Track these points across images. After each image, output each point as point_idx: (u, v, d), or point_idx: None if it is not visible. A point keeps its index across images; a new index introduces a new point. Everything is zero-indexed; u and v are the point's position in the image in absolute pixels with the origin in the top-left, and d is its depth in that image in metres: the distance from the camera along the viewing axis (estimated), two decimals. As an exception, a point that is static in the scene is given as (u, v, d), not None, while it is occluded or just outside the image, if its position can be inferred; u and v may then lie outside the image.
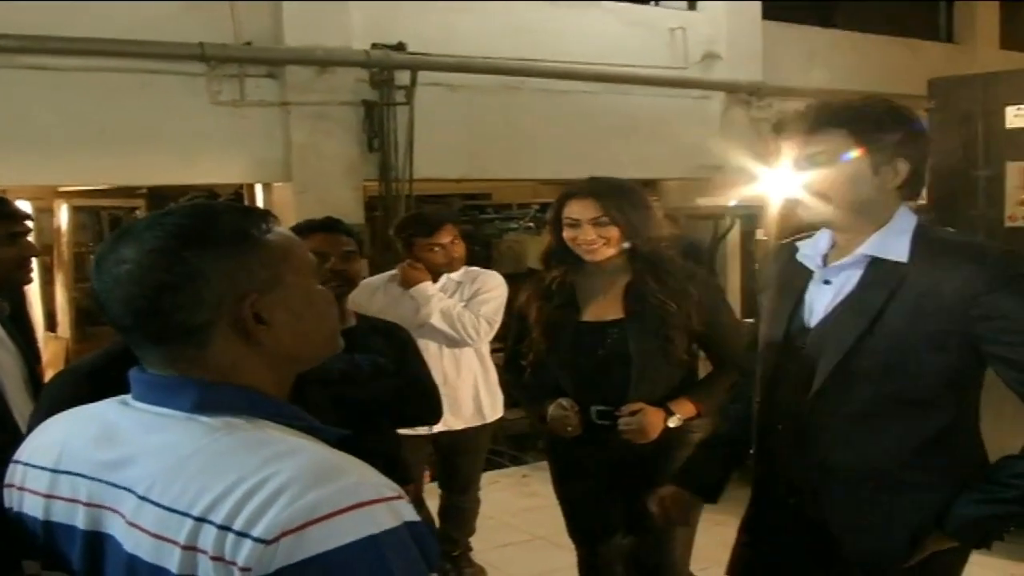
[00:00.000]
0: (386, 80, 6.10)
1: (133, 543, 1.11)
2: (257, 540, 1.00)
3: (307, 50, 5.81)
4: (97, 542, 1.17)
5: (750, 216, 7.01)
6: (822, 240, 2.23)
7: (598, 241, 2.89)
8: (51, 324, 8.51)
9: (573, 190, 2.97)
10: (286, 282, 1.21)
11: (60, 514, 1.21)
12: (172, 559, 1.06)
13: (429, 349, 3.82)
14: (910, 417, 2.09)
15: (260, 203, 6.41)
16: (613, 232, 2.89)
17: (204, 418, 1.15)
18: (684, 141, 7.26)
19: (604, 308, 2.98)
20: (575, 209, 2.91)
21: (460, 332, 3.91)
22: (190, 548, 1.04)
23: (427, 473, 4.56)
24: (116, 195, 8.44)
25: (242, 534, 1.01)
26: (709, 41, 7.44)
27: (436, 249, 3.93)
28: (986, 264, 1.98)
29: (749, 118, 7.57)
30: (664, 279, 2.92)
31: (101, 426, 1.22)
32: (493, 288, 4.03)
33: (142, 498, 1.11)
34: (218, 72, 5.55)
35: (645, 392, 2.91)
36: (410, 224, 4.08)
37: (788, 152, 2.13)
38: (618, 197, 2.91)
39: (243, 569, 1.00)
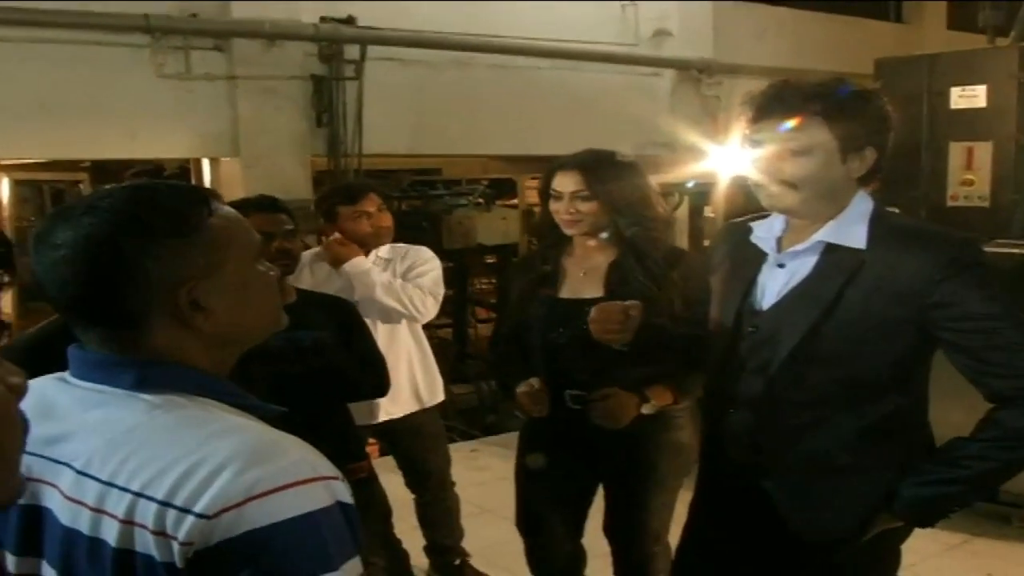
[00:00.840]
0: (335, 54, 6.04)
1: (71, 517, 1.12)
2: (199, 516, 1.02)
3: (255, 23, 5.73)
4: (34, 515, 1.17)
5: (699, 194, 7.07)
6: (777, 223, 2.22)
7: (577, 215, 2.81)
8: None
9: (561, 162, 2.88)
10: (226, 268, 1.20)
11: None
12: (111, 532, 1.07)
13: None
14: (861, 401, 2.10)
15: (207, 178, 6.33)
16: (593, 207, 2.80)
17: (145, 395, 1.15)
18: (634, 118, 7.26)
19: (584, 285, 2.89)
20: (560, 181, 2.82)
21: (408, 306, 3.68)
22: (128, 522, 1.06)
23: (375, 447, 4.41)
24: (58, 168, 8.33)
25: (184, 510, 1.03)
26: (660, 18, 7.44)
27: (362, 218, 3.68)
28: (942, 252, 1.99)
29: (699, 95, 7.61)
30: (646, 261, 2.83)
31: (39, 402, 1.17)
32: (427, 260, 3.81)
33: (80, 472, 1.12)
34: (163, 44, 5.46)
35: (621, 376, 2.80)
36: (332, 194, 3.91)
37: (758, 137, 2.09)
38: (604, 172, 2.81)
39: (184, 544, 1.02)
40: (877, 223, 2.07)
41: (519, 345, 2.99)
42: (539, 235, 3.06)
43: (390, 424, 3.79)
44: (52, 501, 1.15)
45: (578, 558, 3.19)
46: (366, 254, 3.70)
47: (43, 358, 1.63)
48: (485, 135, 6.82)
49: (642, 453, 2.88)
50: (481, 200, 8.11)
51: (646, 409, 2.80)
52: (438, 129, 6.60)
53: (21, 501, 1.14)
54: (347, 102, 6.10)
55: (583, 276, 2.90)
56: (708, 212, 7.23)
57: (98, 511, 1.08)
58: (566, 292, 2.91)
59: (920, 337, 2.03)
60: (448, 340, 9.02)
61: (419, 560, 3.98)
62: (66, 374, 1.23)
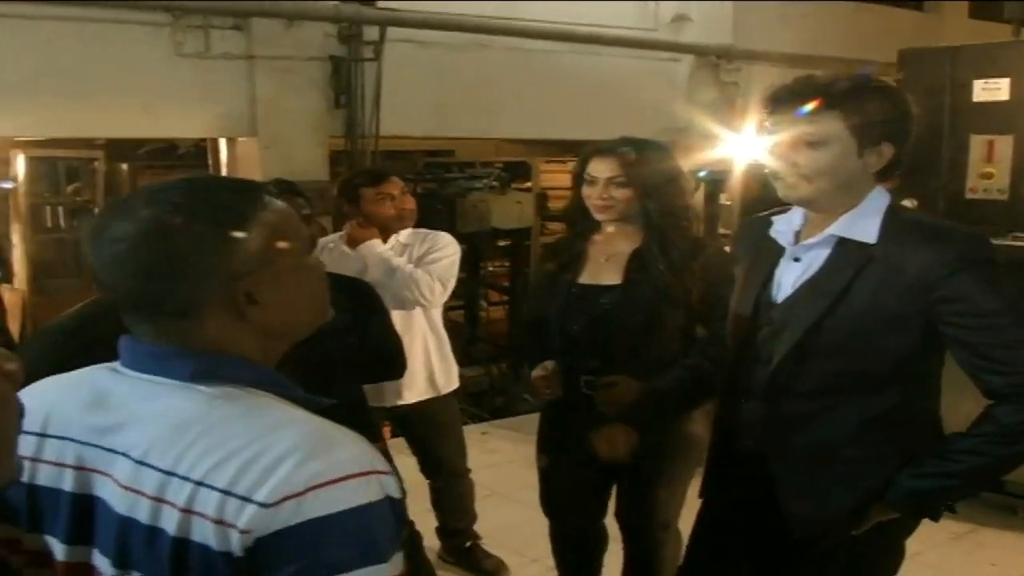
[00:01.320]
0: (354, 35, 6.03)
1: (128, 505, 1.13)
2: (260, 504, 1.05)
3: (274, 3, 5.72)
4: (86, 505, 1.18)
5: (715, 181, 7.05)
6: (796, 217, 2.24)
7: (610, 200, 2.82)
8: (7, 275, 8.41)
9: (598, 147, 2.89)
10: (279, 261, 1.22)
11: (46, 478, 1.21)
12: (170, 521, 1.09)
13: None
14: (865, 394, 2.12)
15: (223, 158, 6.35)
16: (627, 193, 2.81)
17: (202, 387, 1.17)
18: (651, 103, 7.25)
19: (604, 272, 2.90)
20: (595, 166, 2.83)
21: (413, 292, 3.67)
22: (188, 511, 1.08)
23: (387, 429, 4.40)
24: (74, 145, 8.34)
25: (244, 498, 1.06)
26: (679, 3, 7.41)
27: (385, 200, 3.71)
28: (950, 247, 2.00)
29: (717, 82, 7.57)
30: (670, 251, 2.83)
31: (92, 392, 1.22)
32: (444, 247, 3.81)
33: (139, 462, 1.13)
34: (183, 23, 5.46)
35: (632, 363, 2.82)
36: (356, 176, 3.94)
37: (774, 128, 2.11)
38: (641, 159, 2.82)
39: (243, 531, 1.05)
40: (890, 218, 2.08)
41: (540, 329, 3.01)
42: (569, 220, 3.06)
43: (403, 409, 3.80)
44: (105, 490, 1.16)
45: (600, 539, 3.23)
46: (386, 238, 3.71)
47: (88, 341, 1.67)
48: (502, 118, 6.82)
49: (655, 443, 2.90)
50: (496, 183, 8.09)
51: None
52: (456, 111, 6.59)
53: (71, 489, 1.19)
54: (365, 83, 6.09)
55: (604, 262, 2.92)
56: (724, 199, 7.20)
57: (158, 500, 1.10)
58: (585, 278, 2.93)
59: (927, 331, 2.04)
60: (459, 322, 9.05)
61: (431, 541, 4.01)
62: (117, 364, 1.24)
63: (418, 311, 3.78)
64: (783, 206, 2.26)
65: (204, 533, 1.07)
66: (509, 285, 9.29)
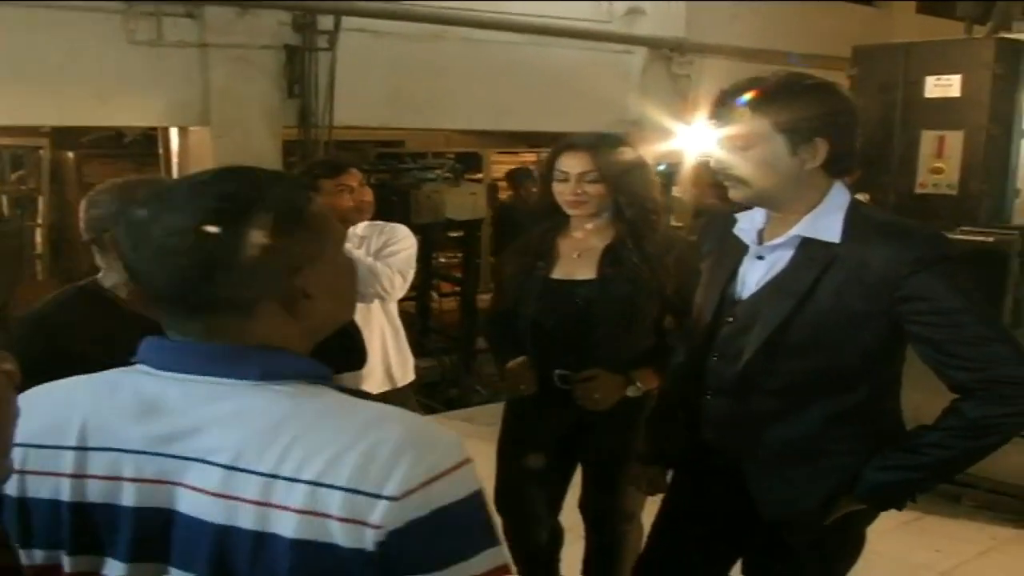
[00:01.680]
0: (309, 24, 5.98)
1: (225, 514, 1.09)
2: (389, 498, 1.05)
3: (228, -10, 5.66)
4: (156, 518, 1.12)
5: (667, 173, 7.09)
6: (758, 215, 2.26)
7: (583, 196, 2.82)
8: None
9: (569, 142, 2.89)
10: (325, 255, 1.20)
11: (97, 494, 1.14)
12: (285, 524, 1.07)
13: None
14: (832, 391, 2.15)
15: (175, 146, 6.27)
16: (599, 189, 2.81)
17: (275, 386, 1.14)
18: (604, 95, 7.27)
19: (578, 267, 2.91)
20: (566, 162, 2.83)
21: (374, 285, 3.65)
22: (308, 512, 1.06)
23: None
24: (18, 133, 8.19)
25: (373, 495, 1.06)
26: (633, -4, 7.45)
27: (344, 192, 3.63)
28: (912, 246, 2.03)
29: (669, 75, 7.62)
30: (643, 245, 2.85)
31: (136, 398, 1.15)
32: (402, 239, 3.79)
33: (230, 467, 1.09)
34: (135, 10, 5.38)
35: (609, 357, 2.84)
36: (315, 166, 3.92)
37: (714, 131, 2.15)
38: (612, 154, 2.84)
39: (376, 527, 1.05)
40: (852, 217, 2.11)
41: (512, 324, 3.01)
42: (538, 216, 3.06)
43: None
44: (185, 501, 1.11)
45: (556, 535, 3.23)
46: (345, 229, 3.68)
47: (48, 331, 1.64)
48: (456, 109, 6.80)
49: (623, 434, 2.92)
50: (450, 175, 8.06)
51: (631, 392, 2.84)
52: (410, 102, 6.56)
53: (134, 504, 1.13)
54: (319, 73, 6.04)
55: (577, 258, 2.92)
56: (675, 192, 7.25)
57: (263, 504, 1.07)
58: (559, 273, 2.93)
59: (890, 329, 2.08)
60: (411, 314, 9.01)
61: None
62: (147, 367, 1.18)
63: (376, 304, 3.75)
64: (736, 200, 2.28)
65: (329, 532, 1.06)
66: (461, 276, 9.26)
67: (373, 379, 3.76)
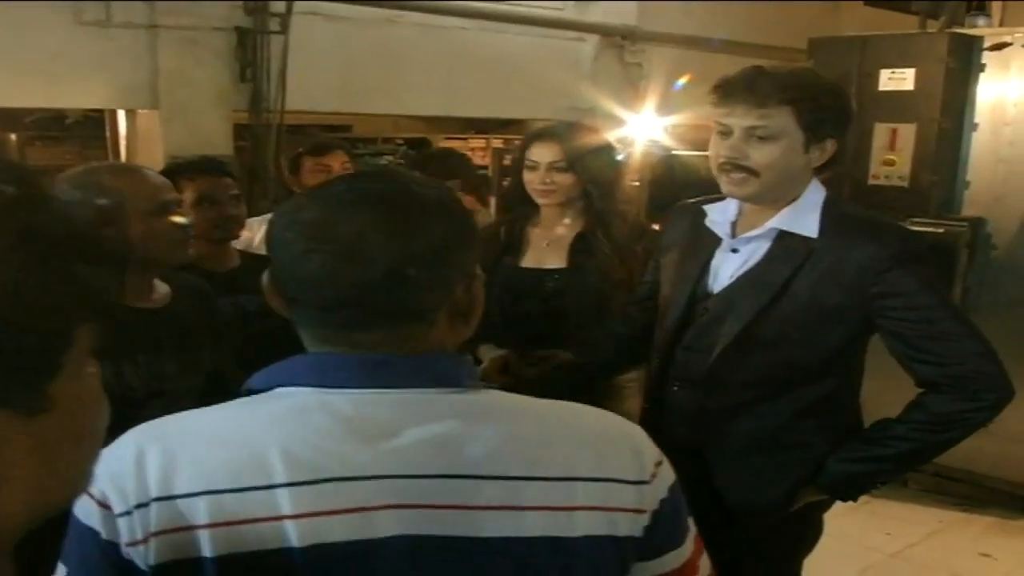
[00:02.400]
0: (260, 7, 5.87)
1: (543, 526, 1.04)
2: (647, 483, 1.12)
3: (178, -29, 5.55)
4: (423, 545, 1.01)
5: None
6: (731, 207, 2.26)
7: (552, 185, 2.83)
8: None
9: (538, 131, 2.91)
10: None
11: (343, 531, 0.99)
12: (613, 524, 1.08)
13: None
14: (801, 383, 2.18)
15: (123, 130, 6.16)
16: (569, 178, 2.82)
17: (478, 392, 1.12)
18: (556, 82, 7.26)
19: (547, 255, 2.92)
20: (537, 151, 2.84)
21: None
22: (600, 508, 1.08)
23: None
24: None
25: (641, 482, 1.11)
26: (585, -18, 7.45)
27: (323, 172, 3.67)
28: (888, 243, 2.06)
29: (621, 63, 7.63)
30: (613, 234, 2.86)
31: (338, 422, 1.03)
32: None
33: (527, 479, 1.04)
34: (83, -10, 5.26)
35: (579, 346, 2.81)
36: (304, 144, 3.96)
37: (723, 119, 2.11)
38: (582, 144, 2.85)
39: (644, 512, 1.11)
40: (828, 212, 2.13)
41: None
42: (507, 205, 3.06)
43: None
44: (461, 522, 1.01)
45: None
46: None
47: None
48: (408, 94, 6.74)
49: None
50: (403, 161, 8.01)
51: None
52: (362, 87, 6.49)
53: (396, 532, 1.01)
54: (271, 57, 5.96)
55: (547, 246, 2.92)
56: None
57: (555, 509, 1.05)
58: (528, 261, 2.93)
59: (862, 323, 2.11)
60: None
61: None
62: (331, 390, 1.06)
63: None
64: (689, 188, 2.29)
65: (616, 525, 1.08)
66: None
67: None
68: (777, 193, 2.15)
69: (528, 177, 2.86)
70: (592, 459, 1.09)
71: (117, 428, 2.12)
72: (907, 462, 2.25)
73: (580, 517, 1.05)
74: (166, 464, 1.00)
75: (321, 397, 1.05)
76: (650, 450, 1.15)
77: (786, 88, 2.04)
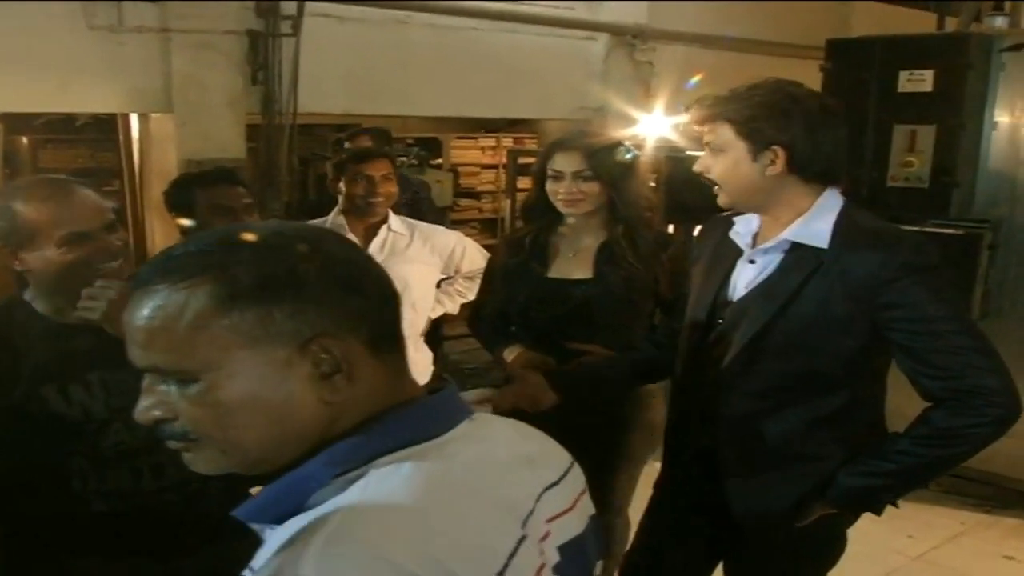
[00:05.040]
0: (272, 9, 5.86)
1: (573, 527, 1.16)
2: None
3: (190, -26, 5.53)
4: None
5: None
6: (754, 219, 2.29)
7: (578, 195, 2.83)
8: None
9: (561, 140, 2.90)
10: None
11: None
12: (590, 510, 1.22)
13: None
14: (814, 394, 2.18)
15: (135, 134, 6.15)
16: (594, 187, 2.82)
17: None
18: (567, 82, 7.26)
19: (573, 266, 2.92)
20: (560, 161, 2.84)
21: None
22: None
23: None
24: (-34, 119, 7.95)
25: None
26: (596, -19, 7.42)
27: (360, 180, 3.64)
28: (896, 253, 2.06)
29: (632, 61, 7.60)
30: (638, 242, 2.86)
31: (519, 453, 1.16)
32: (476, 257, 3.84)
33: (554, 484, 1.17)
34: (95, -5, 5.24)
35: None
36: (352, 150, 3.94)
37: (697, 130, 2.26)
38: (605, 152, 2.84)
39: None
40: (842, 222, 2.14)
41: (504, 321, 3.00)
42: (529, 216, 3.04)
43: None
44: (565, 528, 1.14)
45: None
46: (367, 225, 3.65)
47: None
48: (419, 95, 6.73)
49: (614, 429, 2.93)
50: (415, 162, 7.97)
51: None
52: (373, 89, 6.47)
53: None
54: (283, 59, 5.95)
55: (572, 257, 2.92)
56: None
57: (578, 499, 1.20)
58: (554, 272, 2.93)
59: (872, 335, 2.10)
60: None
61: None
62: (445, 434, 1.08)
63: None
64: (701, 189, 2.34)
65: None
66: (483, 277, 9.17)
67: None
68: (755, 201, 2.21)
69: (553, 187, 2.85)
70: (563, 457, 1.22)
71: (78, 451, 2.08)
72: (913, 477, 2.22)
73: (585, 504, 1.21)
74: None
75: (501, 428, 1.20)
76: None
77: (721, 105, 2.15)
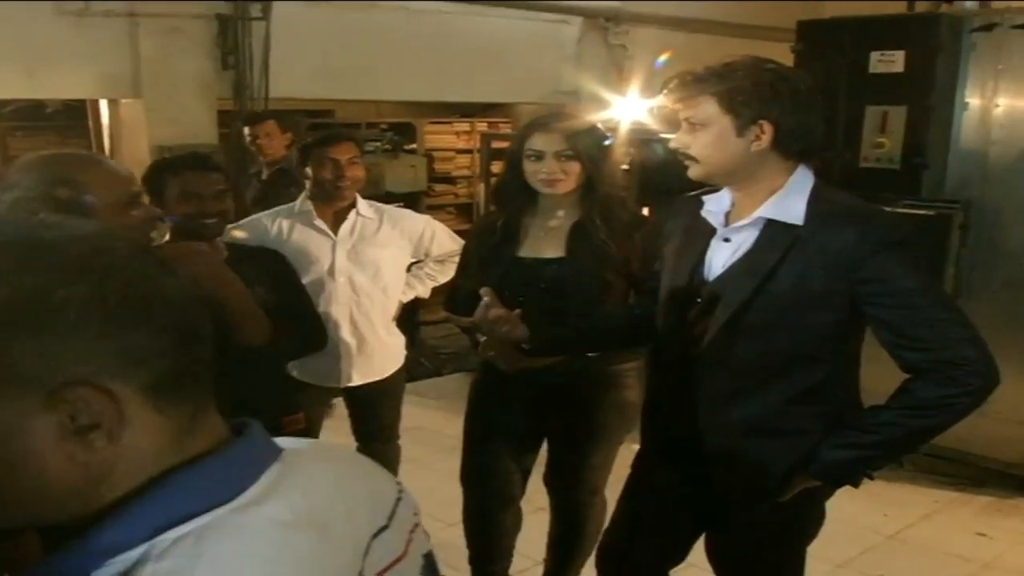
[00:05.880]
0: (241, -7, 5.84)
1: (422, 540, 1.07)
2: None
3: (158, -44, 5.48)
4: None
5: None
6: (725, 197, 2.29)
7: (560, 174, 2.83)
8: None
9: (539, 121, 2.90)
10: None
11: None
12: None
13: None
14: (792, 371, 2.20)
15: (105, 119, 6.09)
16: (575, 167, 2.83)
17: None
18: (540, 65, 7.25)
19: (545, 245, 2.92)
20: (539, 141, 2.83)
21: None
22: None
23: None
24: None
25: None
26: (568, -36, 7.40)
27: (326, 163, 3.57)
28: (872, 229, 2.08)
29: (605, 44, 7.60)
30: (611, 221, 2.87)
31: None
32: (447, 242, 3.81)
33: (384, 528, 1.04)
34: (62, -21, 5.19)
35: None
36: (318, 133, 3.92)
37: (673, 110, 2.23)
38: (582, 132, 2.85)
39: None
40: (815, 199, 2.15)
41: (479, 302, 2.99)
42: (500, 198, 3.04)
43: (373, 384, 3.78)
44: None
45: (518, 518, 3.24)
46: (335, 210, 3.64)
47: None
48: (390, 79, 6.70)
49: (589, 409, 2.94)
50: (389, 147, 7.92)
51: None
52: (344, 73, 6.44)
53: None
54: (253, 44, 5.91)
55: (544, 236, 2.92)
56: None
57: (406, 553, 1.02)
58: (526, 251, 2.93)
59: (850, 310, 2.12)
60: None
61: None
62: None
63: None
64: (675, 171, 2.33)
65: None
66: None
67: (395, 359, 3.84)
68: (737, 176, 2.20)
69: (533, 168, 2.84)
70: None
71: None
72: (895, 448, 2.27)
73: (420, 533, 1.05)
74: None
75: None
76: None
77: (706, 80, 2.13)
